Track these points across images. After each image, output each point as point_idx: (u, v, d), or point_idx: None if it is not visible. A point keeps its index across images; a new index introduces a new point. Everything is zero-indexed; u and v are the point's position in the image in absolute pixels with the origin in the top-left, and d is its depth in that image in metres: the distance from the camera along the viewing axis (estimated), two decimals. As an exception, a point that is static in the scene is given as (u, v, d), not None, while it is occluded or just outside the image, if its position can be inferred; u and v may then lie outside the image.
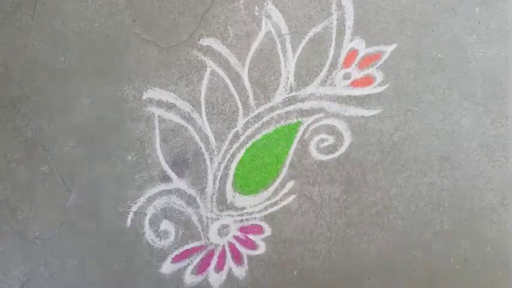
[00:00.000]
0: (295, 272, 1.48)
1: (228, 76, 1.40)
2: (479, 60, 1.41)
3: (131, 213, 1.48)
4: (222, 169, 1.46)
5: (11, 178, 1.47)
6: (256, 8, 1.37)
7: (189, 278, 1.50)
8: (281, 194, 1.46)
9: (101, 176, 1.46)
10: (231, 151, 1.44)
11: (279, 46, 1.39)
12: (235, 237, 1.49)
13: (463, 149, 1.44)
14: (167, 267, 1.49)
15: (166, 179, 1.46)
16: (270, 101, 1.42)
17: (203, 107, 1.42)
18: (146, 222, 1.49)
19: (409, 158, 1.45)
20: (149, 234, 1.49)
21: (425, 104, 1.43)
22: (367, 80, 1.42)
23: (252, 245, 1.48)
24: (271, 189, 1.46)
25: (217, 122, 1.43)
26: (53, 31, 1.39)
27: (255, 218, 1.47)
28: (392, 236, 1.46)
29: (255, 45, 1.39)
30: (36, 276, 1.50)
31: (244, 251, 1.49)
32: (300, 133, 1.44)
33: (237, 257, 1.49)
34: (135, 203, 1.48)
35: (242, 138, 1.45)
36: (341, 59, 1.40)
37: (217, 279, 1.49)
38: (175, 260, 1.49)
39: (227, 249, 1.49)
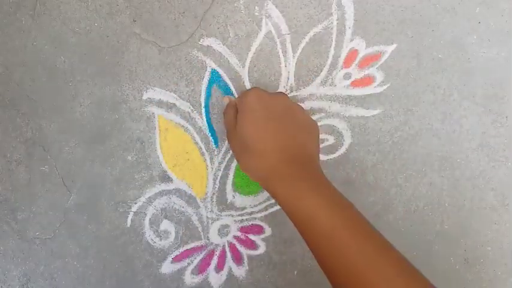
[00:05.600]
0: (295, 272, 1.48)
1: (228, 76, 1.40)
2: (479, 60, 1.41)
3: (131, 213, 1.48)
4: (222, 169, 1.45)
5: (11, 178, 1.47)
6: (256, 8, 1.37)
7: (189, 278, 1.50)
8: (281, 194, 1.46)
9: (101, 176, 1.46)
10: (231, 151, 1.44)
11: (279, 46, 1.39)
12: (236, 237, 1.49)
13: (463, 149, 1.44)
14: (167, 267, 1.49)
15: (166, 179, 1.46)
16: (270, 101, 1.42)
17: (203, 107, 1.42)
18: (146, 222, 1.48)
19: (409, 158, 1.45)
20: (149, 234, 1.49)
21: (425, 104, 1.43)
22: (367, 80, 1.42)
23: (252, 245, 1.48)
24: (271, 189, 1.46)
25: (218, 122, 1.43)
26: (53, 31, 1.39)
27: (255, 218, 1.47)
28: (392, 236, 1.46)
29: (255, 45, 1.39)
30: (36, 276, 1.50)
31: (244, 251, 1.49)
32: (300, 133, 1.43)
33: (237, 257, 1.49)
34: (135, 203, 1.48)
35: (242, 138, 1.44)
36: (341, 59, 1.40)
37: (217, 279, 1.49)
38: (175, 260, 1.49)
39: (227, 249, 1.49)
